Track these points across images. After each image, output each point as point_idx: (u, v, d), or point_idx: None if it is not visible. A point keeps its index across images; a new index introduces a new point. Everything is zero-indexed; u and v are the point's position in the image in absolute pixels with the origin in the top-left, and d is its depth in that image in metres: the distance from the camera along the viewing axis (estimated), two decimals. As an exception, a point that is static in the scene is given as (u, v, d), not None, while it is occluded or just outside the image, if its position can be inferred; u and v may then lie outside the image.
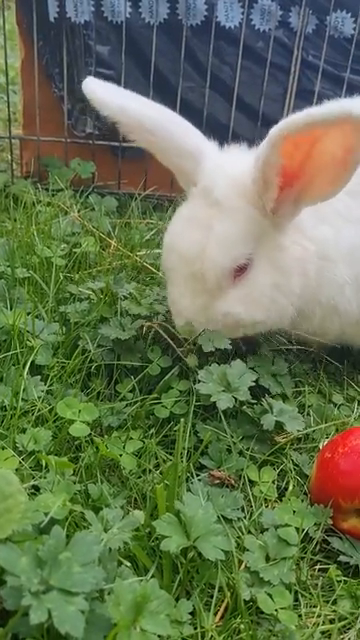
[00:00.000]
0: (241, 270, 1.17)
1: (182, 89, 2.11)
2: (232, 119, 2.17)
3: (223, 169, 1.20)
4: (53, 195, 2.03)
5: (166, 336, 1.23)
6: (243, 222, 1.16)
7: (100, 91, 1.24)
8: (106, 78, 2.10)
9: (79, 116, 2.17)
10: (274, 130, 1.04)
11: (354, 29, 2.10)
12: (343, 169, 1.09)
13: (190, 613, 0.85)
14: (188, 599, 0.87)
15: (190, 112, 2.19)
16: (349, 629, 0.89)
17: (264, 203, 1.15)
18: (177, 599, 0.86)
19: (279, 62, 2.16)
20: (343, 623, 0.90)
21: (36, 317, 1.36)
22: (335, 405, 1.34)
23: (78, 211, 1.90)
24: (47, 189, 2.04)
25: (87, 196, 2.06)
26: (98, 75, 2.08)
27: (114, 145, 2.17)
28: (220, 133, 2.17)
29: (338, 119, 1.00)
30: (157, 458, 1.12)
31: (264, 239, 1.18)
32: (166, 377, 1.21)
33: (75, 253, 1.62)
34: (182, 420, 0.99)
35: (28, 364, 1.20)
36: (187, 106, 2.16)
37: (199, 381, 1.13)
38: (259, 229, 1.17)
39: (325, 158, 1.08)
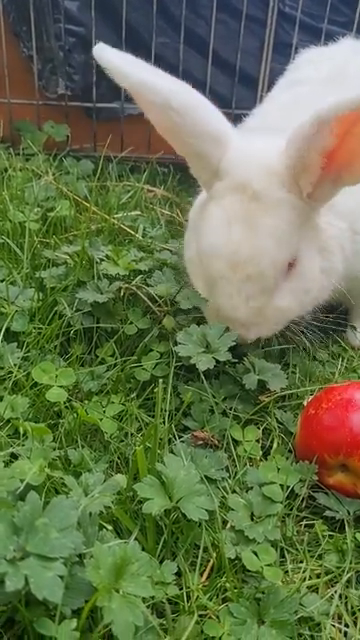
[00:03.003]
0: (292, 262, 1.11)
1: (156, 45, 2.04)
2: (209, 75, 2.11)
3: (254, 158, 1.11)
4: (27, 160, 1.97)
5: (144, 297, 1.20)
6: (288, 213, 1.08)
7: (117, 61, 1.11)
8: (76, 35, 2.05)
9: (50, 76, 2.10)
10: (324, 110, 0.97)
11: (331, -24, 2.03)
12: None
13: (176, 574, 0.84)
14: (173, 560, 0.86)
15: (165, 69, 2.13)
16: (336, 583, 0.89)
17: (301, 188, 1.08)
18: (162, 561, 0.85)
19: (255, 14, 2.09)
20: (329, 577, 0.89)
21: (11, 284, 1.32)
22: (320, 362, 1.32)
23: (53, 175, 1.84)
24: (18, 153, 1.98)
25: (62, 159, 2.00)
26: (68, 32, 2.03)
27: (88, 106, 2.11)
28: (197, 90, 2.14)
29: None
30: (139, 421, 1.10)
31: (305, 225, 1.12)
32: (146, 339, 1.19)
33: (50, 217, 1.57)
34: (160, 381, 0.97)
35: (3, 331, 1.16)
36: (161, 63, 2.08)
37: (178, 343, 1.11)
38: (301, 216, 1.10)
39: None
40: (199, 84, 2.09)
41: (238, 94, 2.15)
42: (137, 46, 2.05)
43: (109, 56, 1.11)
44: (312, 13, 2.10)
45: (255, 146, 1.14)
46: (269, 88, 2.05)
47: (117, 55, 1.12)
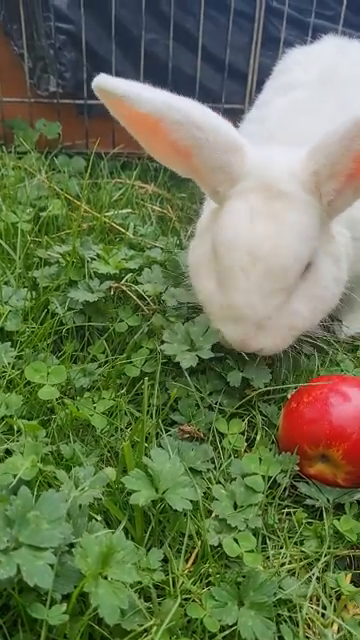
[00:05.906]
0: (308, 264, 1.13)
1: (145, 41, 2.07)
2: (198, 70, 2.13)
3: (277, 161, 1.13)
4: (19, 158, 2.00)
5: (134, 296, 1.25)
6: (311, 213, 1.10)
7: (134, 89, 1.05)
8: (66, 33, 2.07)
9: (41, 74, 2.12)
10: None
11: (317, -29, 2.05)
12: None
13: (163, 561, 0.89)
14: (160, 548, 0.91)
15: (155, 65, 2.16)
16: (314, 567, 0.94)
17: (322, 195, 1.10)
18: (150, 548, 0.90)
19: (243, 9, 2.11)
20: (308, 560, 0.94)
21: (4, 284, 1.36)
22: (305, 355, 1.36)
23: (45, 173, 1.88)
24: (11, 152, 2.01)
25: (54, 157, 2.03)
26: (58, 30, 2.05)
27: (79, 103, 2.14)
28: (186, 86, 2.16)
29: None
30: (129, 416, 1.14)
31: (322, 230, 1.14)
32: (135, 337, 1.23)
33: (42, 217, 1.61)
34: (146, 378, 1.01)
35: (-4, 331, 1.21)
36: (151, 59, 2.12)
37: (164, 341, 1.15)
38: (320, 220, 1.13)
39: None
40: (189, 79, 2.15)
41: (228, 89, 2.18)
42: (127, 43, 2.09)
43: (121, 85, 1.06)
44: (300, 7, 2.13)
45: (274, 152, 1.15)
46: (258, 83, 2.09)
47: (126, 83, 1.07)
